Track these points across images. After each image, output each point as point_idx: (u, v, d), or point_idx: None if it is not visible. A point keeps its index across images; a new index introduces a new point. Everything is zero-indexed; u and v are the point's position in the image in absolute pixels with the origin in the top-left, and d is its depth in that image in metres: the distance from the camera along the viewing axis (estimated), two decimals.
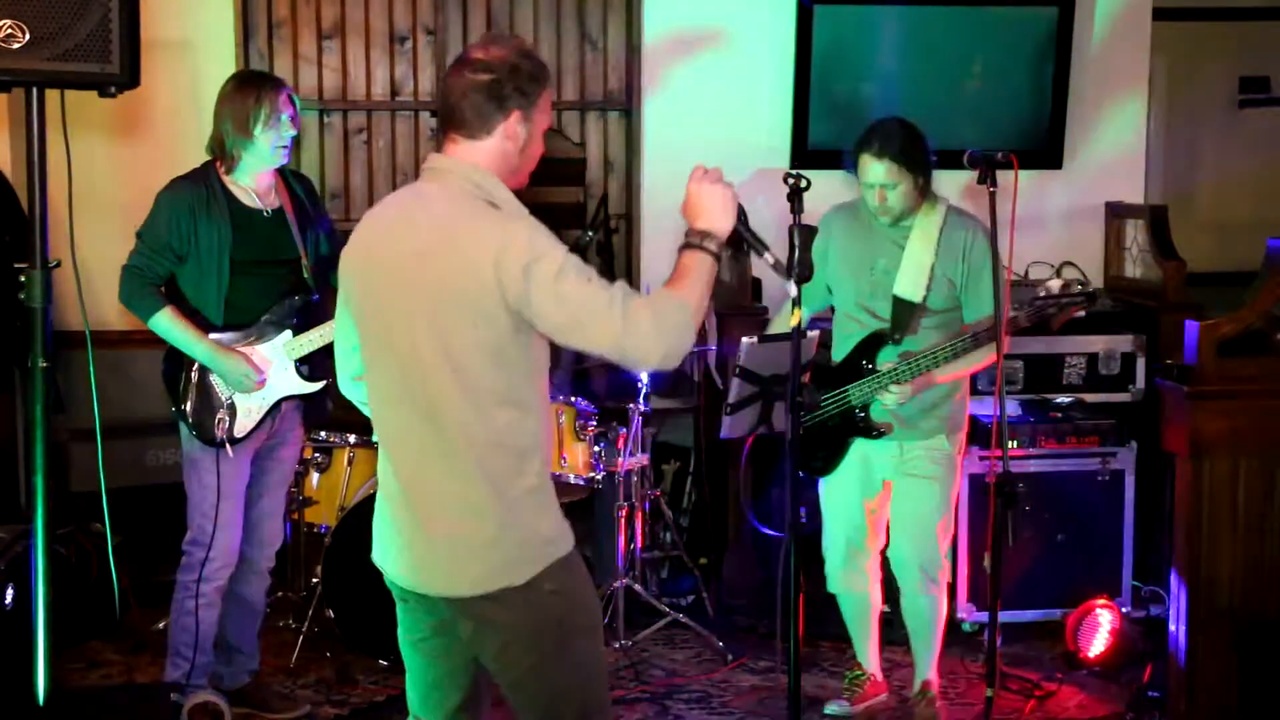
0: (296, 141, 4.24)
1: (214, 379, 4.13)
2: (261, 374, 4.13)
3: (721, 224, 2.83)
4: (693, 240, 2.81)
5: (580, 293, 2.63)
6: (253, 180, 4.16)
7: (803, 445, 4.21)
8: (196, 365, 4.12)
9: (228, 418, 4.12)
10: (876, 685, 4.45)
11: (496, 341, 2.65)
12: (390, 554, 2.82)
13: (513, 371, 2.69)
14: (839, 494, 4.29)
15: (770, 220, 5.78)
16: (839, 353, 4.22)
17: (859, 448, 4.21)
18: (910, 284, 4.09)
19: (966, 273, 4.08)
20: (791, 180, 3.26)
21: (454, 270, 2.65)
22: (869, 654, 4.44)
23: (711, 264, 2.78)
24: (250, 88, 4.11)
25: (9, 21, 3.19)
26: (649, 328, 2.61)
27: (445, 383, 2.66)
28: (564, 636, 2.73)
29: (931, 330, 4.10)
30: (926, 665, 4.31)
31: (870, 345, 4.14)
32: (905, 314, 4.09)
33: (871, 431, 4.13)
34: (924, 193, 4.11)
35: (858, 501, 4.26)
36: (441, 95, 2.83)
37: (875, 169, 4.03)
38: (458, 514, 2.70)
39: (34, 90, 3.34)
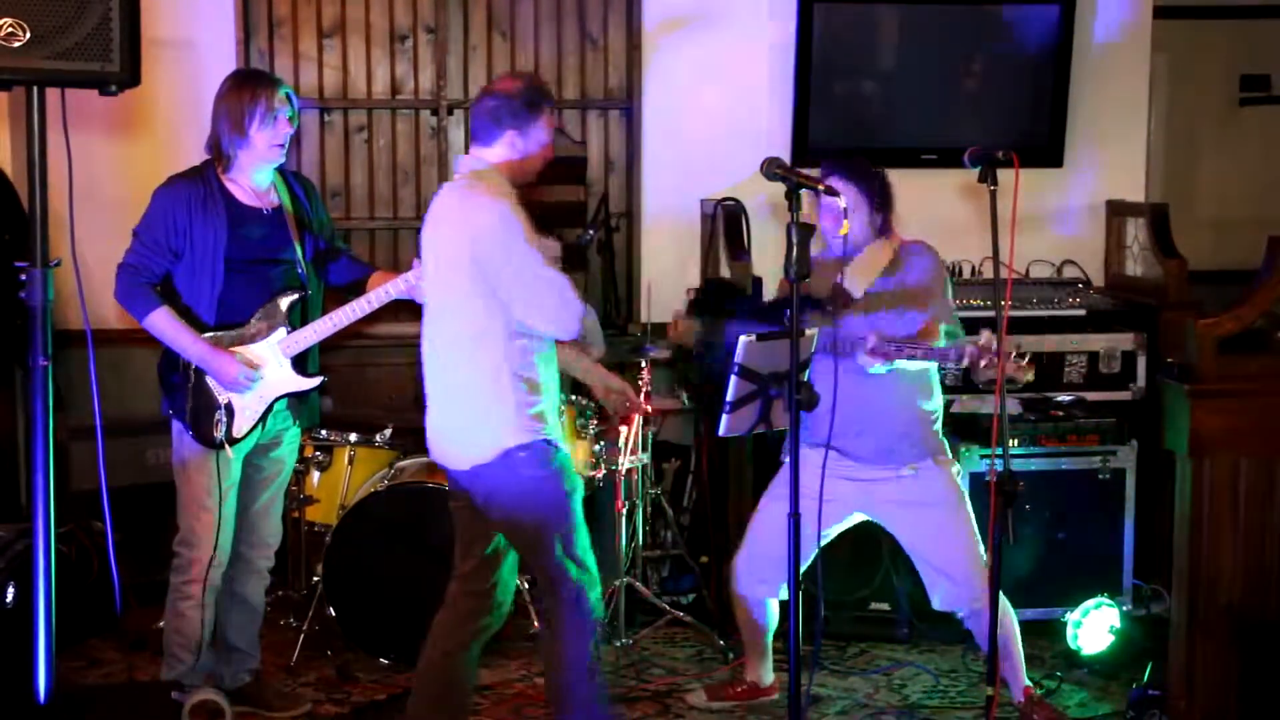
0: (296, 140, 4.24)
1: (210, 379, 4.12)
2: (255, 374, 4.13)
3: None
4: None
5: None
6: (250, 179, 4.15)
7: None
8: (192, 366, 4.12)
9: (225, 418, 4.12)
10: (761, 690, 4.55)
11: None
12: None
13: None
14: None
15: (769, 218, 5.82)
16: None
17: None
18: (855, 282, 4.14)
19: (903, 279, 4.14)
20: (779, 171, 3.35)
21: None
22: (761, 661, 4.53)
23: None
24: (247, 86, 4.10)
25: (10, 20, 3.19)
26: None
27: None
28: None
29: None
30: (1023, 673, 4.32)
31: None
32: (840, 298, 4.12)
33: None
34: (880, 229, 4.19)
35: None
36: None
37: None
38: None
39: (34, 89, 3.34)
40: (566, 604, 3.70)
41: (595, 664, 3.77)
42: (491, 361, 3.64)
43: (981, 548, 4.20)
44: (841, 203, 3.61)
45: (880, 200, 4.19)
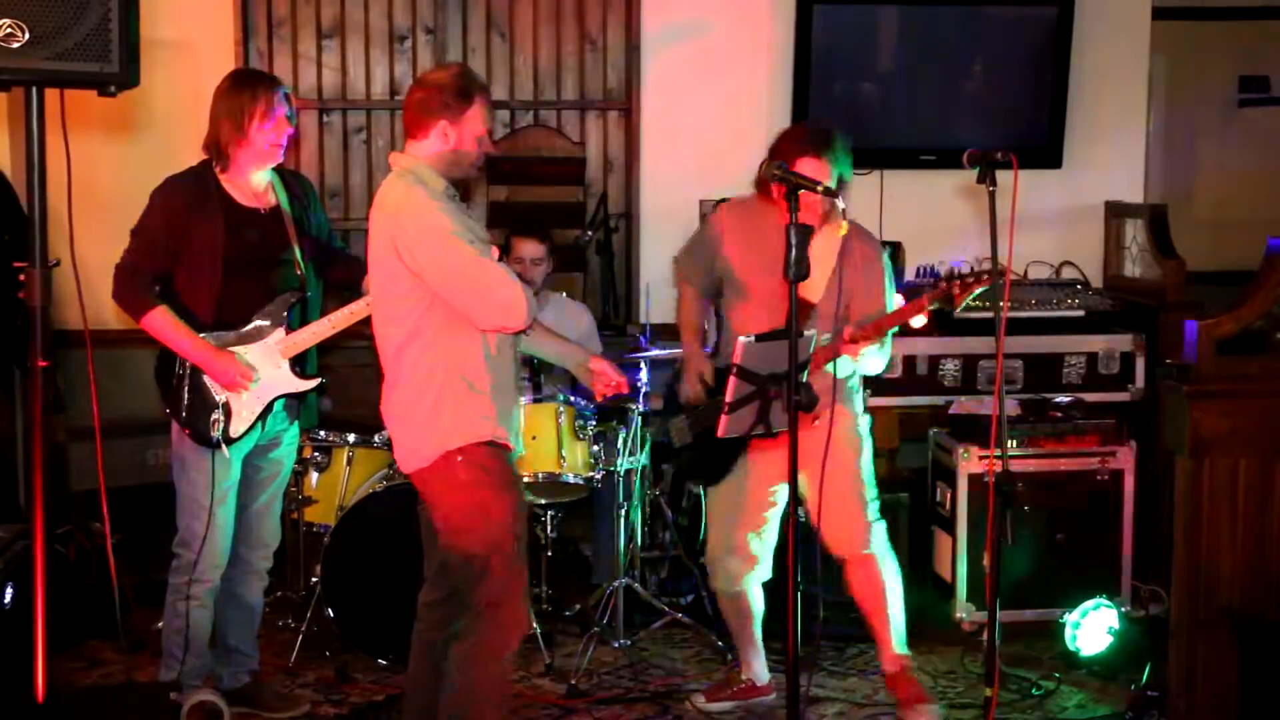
0: (295, 141, 4.25)
1: (208, 379, 4.12)
2: (253, 374, 4.13)
3: None
4: None
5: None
6: (248, 179, 4.15)
7: (699, 454, 4.38)
8: (189, 366, 4.12)
9: (223, 418, 4.11)
10: (757, 689, 4.54)
11: None
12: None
13: None
14: (733, 494, 4.35)
15: None
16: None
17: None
18: (809, 287, 4.03)
19: (862, 285, 4.14)
20: (778, 172, 3.34)
21: None
22: (754, 656, 4.52)
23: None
24: (246, 86, 4.11)
25: (8, 21, 3.18)
26: None
27: None
28: None
29: (820, 329, 4.14)
30: (896, 640, 4.35)
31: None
32: (805, 313, 4.11)
33: (773, 430, 4.09)
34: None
35: (758, 500, 4.33)
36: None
37: (812, 170, 3.99)
38: None
39: (33, 89, 3.33)
40: (484, 620, 3.57)
41: (497, 692, 3.63)
42: (427, 360, 3.55)
43: (871, 493, 4.27)
44: (841, 203, 3.60)
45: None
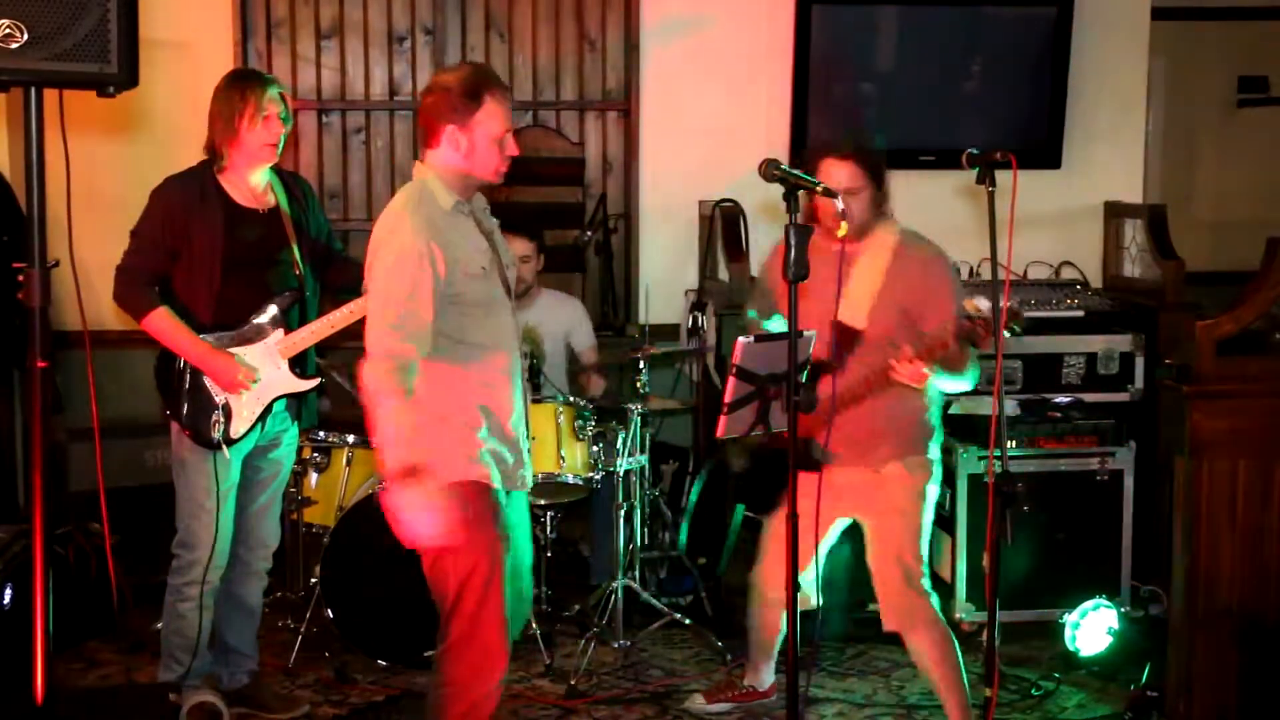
0: (295, 141, 4.24)
1: (207, 381, 4.12)
2: (253, 375, 4.13)
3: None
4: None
5: None
6: (246, 180, 4.15)
7: (752, 482, 4.42)
8: (189, 367, 4.11)
9: (223, 419, 4.12)
10: (759, 693, 4.53)
11: None
12: None
13: None
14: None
15: (766, 220, 5.81)
16: None
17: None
18: (854, 310, 3.92)
19: (923, 299, 3.93)
20: (777, 173, 3.31)
21: None
22: (764, 664, 4.49)
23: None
24: (237, 86, 4.11)
25: (7, 21, 3.18)
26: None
27: None
28: None
29: (871, 359, 3.92)
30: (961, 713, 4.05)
31: (811, 375, 3.87)
32: (848, 340, 3.94)
33: (810, 462, 3.91)
34: (879, 210, 3.97)
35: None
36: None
37: (839, 172, 3.87)
38: None
39: (32, 90, 3.33)
40: (451, 658, 3.45)
41: None
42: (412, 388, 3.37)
43: (918, 562, 4.01)
44: (839, 204, 3.56)
45: (883, 178, 3.98)
